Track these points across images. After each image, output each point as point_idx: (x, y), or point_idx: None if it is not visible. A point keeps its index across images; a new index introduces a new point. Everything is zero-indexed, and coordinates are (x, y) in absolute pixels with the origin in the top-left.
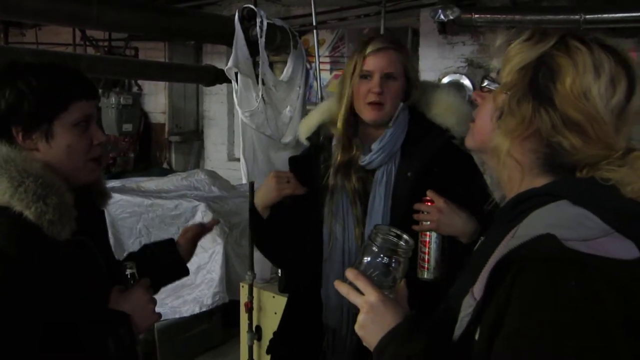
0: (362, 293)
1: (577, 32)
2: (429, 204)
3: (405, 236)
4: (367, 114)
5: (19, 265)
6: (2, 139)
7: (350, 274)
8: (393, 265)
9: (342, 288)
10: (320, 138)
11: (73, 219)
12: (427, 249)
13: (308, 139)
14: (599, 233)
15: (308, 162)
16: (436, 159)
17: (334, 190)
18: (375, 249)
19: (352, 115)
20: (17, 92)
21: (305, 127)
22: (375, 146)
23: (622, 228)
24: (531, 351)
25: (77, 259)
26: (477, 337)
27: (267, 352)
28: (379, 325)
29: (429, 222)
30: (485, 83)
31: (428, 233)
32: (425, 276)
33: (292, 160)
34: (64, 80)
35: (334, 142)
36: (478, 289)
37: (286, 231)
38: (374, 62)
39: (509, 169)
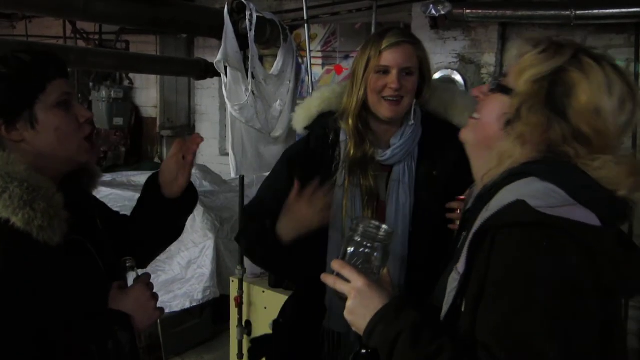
0: (348, 281)
1: (589, 49)
2: None
3: (384, 226)
4: (384, 111)
5: (5, 276)
6: None
7: (336, 264)
8: (375, 254)
9: (329, 279)
10: (322, 129)
11: (64, 222)
12: None
13: (307, 128)
14: (565, 202)
15: (310, 155)
16: (460, 159)
17: (349, 188)
18: (358, 238)
19: (363, 111)
20: None
21: (305, 116)
22: (395, 141)
23: (585, 202)
24: (510, 301)
25: (72, 260)
26: (463, 308)
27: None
28: (366, 309)
29: None
30: (493, 84)
31: None
32: None
33: (293, 157)
34: (35, 62)
35: (341, 138)
36: (461, 264)
37: (303, 246)
38: (391, 57)
39: (499, 167)
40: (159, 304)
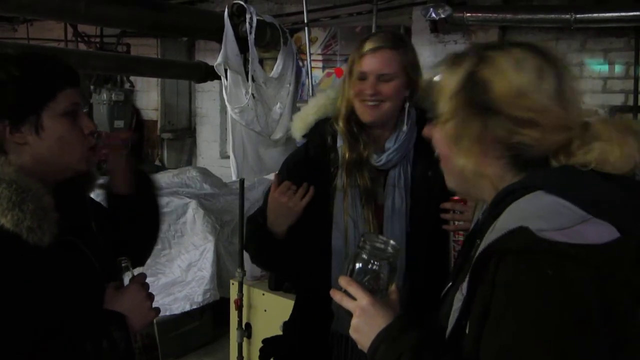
0: (354, 299)
1: (490, 43)
2: (462, 203)
3: (392, 242)
4: (364, 115)
5: None
6: None
7: (342, 281)
8: (383, 271)
9: (336, 295)
10: (319, 136)
11: (54, 223)
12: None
13: (305, 136)
14: (576, 220)
15: (309, 163)
16: None
17: (346, 190)
18: (365, 256)
19: (354, 115)
20: None
21: (302, 124)
22: (390, 145)
23: (600, 213)
24: (514, 329)
25: (64, 261)
26: (467, 330)
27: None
28: (370, 327)
29: (462, 222)
30: (432, 118)
31: (462, 233)
32: None
33: (292, 166)
34: (48, 68)
35: (338, 143)
36: (465, 285)
37: (299, 243)
38: (368, 63)
39: (481, 186)
40: (158, 306)
